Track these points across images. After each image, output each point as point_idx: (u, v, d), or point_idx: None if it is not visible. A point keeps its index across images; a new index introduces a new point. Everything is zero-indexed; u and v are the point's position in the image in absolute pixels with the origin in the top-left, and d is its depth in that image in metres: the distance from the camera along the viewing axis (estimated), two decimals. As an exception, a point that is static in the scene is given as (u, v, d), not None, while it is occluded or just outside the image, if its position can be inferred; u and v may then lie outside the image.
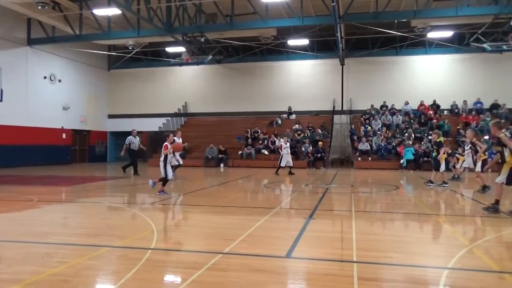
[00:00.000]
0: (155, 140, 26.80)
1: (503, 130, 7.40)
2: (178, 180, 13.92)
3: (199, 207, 8.75)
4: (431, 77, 25.47)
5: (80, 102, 27.13)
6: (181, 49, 23.99)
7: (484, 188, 10.29)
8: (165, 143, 9.79)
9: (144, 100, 29.29)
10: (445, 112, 25.05)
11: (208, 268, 4.16)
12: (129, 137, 16.46)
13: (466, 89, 24.78)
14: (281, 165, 17.02)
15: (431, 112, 24.35)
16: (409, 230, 6.61)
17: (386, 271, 4.25)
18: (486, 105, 24.27)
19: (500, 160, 7.41)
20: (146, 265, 4.28)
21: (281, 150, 17.23)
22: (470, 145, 14.85)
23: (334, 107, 26.07)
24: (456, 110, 24.74)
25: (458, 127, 22.34)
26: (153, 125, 27.73)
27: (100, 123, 29.32)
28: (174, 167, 13.40)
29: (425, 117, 24.14)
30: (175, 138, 13.75)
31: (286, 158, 16.89)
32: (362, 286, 3.70)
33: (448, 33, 22.25)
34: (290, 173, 16.79)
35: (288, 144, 17.44)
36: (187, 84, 29.10)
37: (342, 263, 4.44)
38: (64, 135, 25.63)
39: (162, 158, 9.74)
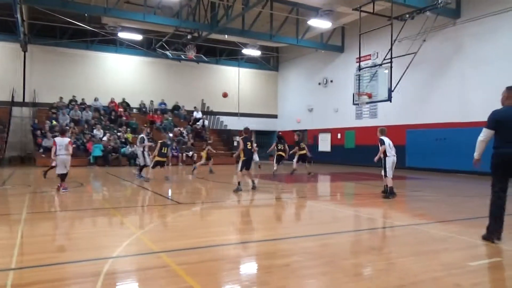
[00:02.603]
0: None
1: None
2: None
3: None
4: (122, 75, 26.23)
5: None
6: None
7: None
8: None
9: None
10: (134, 110, 26.42)
11: None
12: None
13: (152, 90, 26.94)
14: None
15: (121, 109, 25.13)
16: (83, 226, 6.51)
17: (48, 272, 3.99)
18: (169, 106, 27.24)
19: None
20: None
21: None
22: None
23: (13, 97, 22.74)
24: (144, 109, 26.50)
25: (145, 125, 23.98)
26: None
27: None
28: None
29: (115, 114, 24.67)
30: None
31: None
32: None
33: (138, 36, 23.44)
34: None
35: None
36: None
37: (-5, 273, 3.88)
38: None
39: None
